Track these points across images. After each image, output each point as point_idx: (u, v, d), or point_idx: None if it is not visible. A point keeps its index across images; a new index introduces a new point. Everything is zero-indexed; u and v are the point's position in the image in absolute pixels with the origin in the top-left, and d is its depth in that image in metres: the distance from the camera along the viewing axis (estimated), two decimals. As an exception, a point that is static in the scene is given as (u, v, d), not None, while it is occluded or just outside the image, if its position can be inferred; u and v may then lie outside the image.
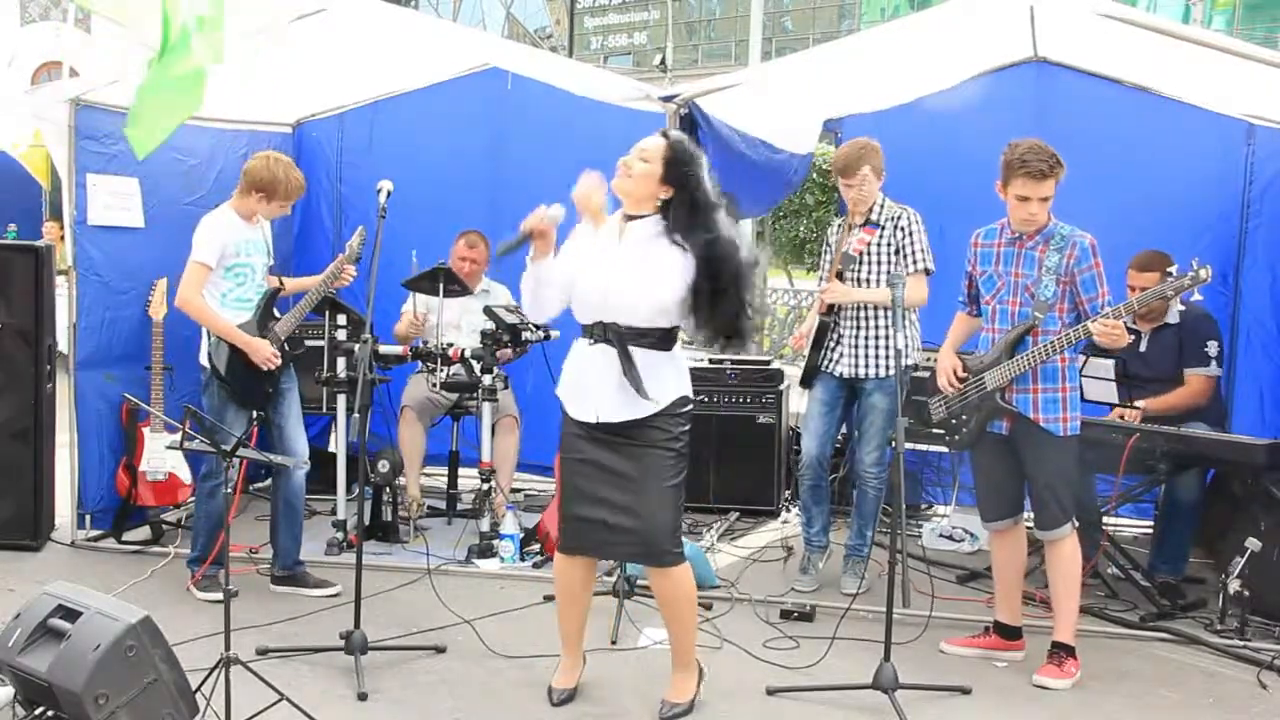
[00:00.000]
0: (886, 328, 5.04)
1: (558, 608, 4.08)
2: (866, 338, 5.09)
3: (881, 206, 5.11)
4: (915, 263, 5.03)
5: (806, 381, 5.26)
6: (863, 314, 5.10)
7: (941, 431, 4.57)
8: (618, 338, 3.65)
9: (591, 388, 3.71)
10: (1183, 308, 5.36)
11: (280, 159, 4.88)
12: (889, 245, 5.05)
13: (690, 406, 3.80)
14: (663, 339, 3.70)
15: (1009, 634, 4.53)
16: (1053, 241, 4.20)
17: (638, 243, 3.69)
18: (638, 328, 3.66)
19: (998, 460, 4.40)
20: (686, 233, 3.62)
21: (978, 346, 4.47)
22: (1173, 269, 4.04)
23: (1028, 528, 4.49)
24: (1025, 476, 4.34)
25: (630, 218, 3.73)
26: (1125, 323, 4.08)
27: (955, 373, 4.44)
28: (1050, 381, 4.22)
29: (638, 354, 3.64)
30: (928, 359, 5.74)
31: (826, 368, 5.18)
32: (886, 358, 5.05)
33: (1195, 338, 5.33)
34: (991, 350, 4.33)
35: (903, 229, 5.05)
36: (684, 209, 3.64)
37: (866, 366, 5.09)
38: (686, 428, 3.79)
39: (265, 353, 4.84)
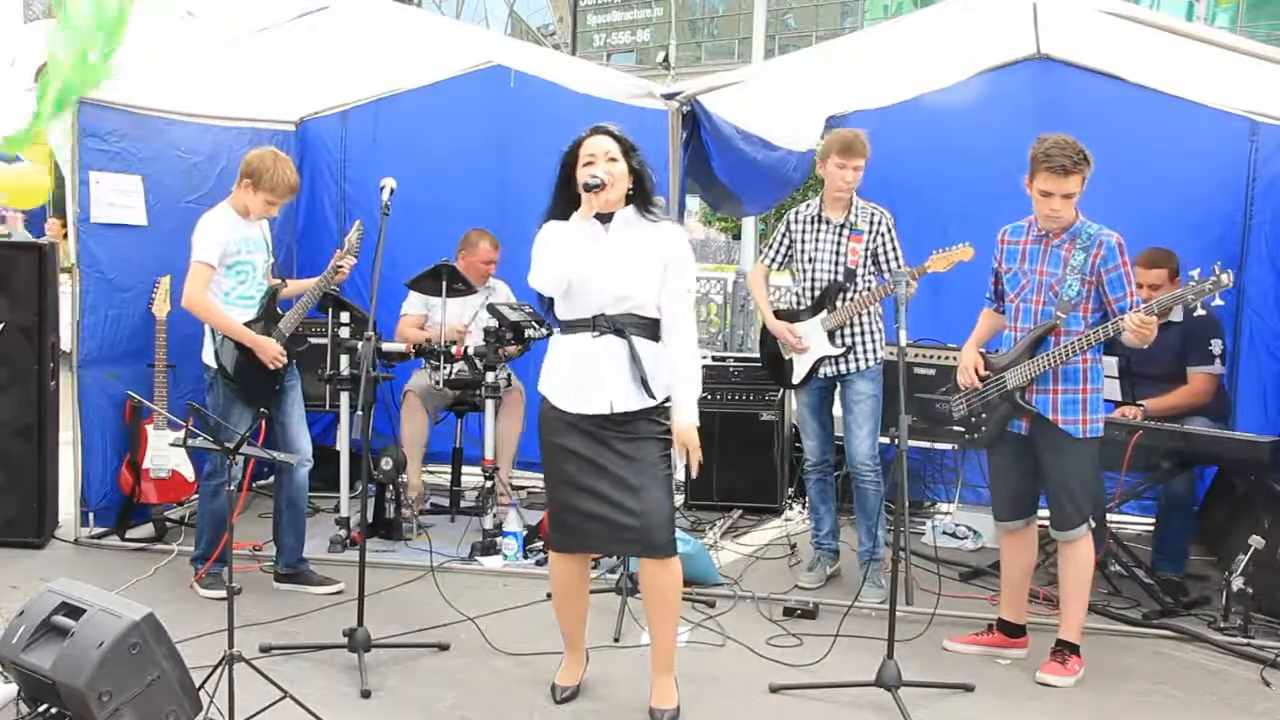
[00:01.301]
0: (856, 325, 5.06)
1: (555, 606, 4.08)
2: (840, 337, 5.09)
3: (857, 208, 5.11)
4: (893, 266, 5.02)
5: (800, 382, 5.24)
6: None
7: (961, 430, 4.54)
8: (625, 328, 3.71)
9: (602, 379, 3.72)
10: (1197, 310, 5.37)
11: (279, 154, 4.86)
12: (867, 250, 5.06)
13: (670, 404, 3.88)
14: (656, 327, 3.78)
15: (1013, 632, 4.53)
16: (1079, 240, 4.16)
17: (624, 234, 3.76)
18: (642, 317, 3.74)
19: (1015, 460, 4.38)
20: (650, 206, 3.81)
21: (1001, 344, 4.45)
22: (1195, 273, 3.99)
23: (1042, 526, 4.48)
24: (1042, 477, 4.32)
25: (604, 217, 3.77)
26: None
27: (977, 370, 4.43)
28: (1071, 383, 4.19)
29: (641, 343, 3.72)
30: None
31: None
32: (864, 351, 5.07)
33: (1200, 336, 5.32)
34: (1013, 349, 4.30)
35: (881, 234, 5.06)
36: (642, 188, 3.79)
37: (847, 363, 5.09)
38: (669, 422, 3.86)
39: (273, 351, 4.84)
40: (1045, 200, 4.12)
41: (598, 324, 3.72)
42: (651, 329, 3.76)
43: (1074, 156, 4.03)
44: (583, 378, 3.75)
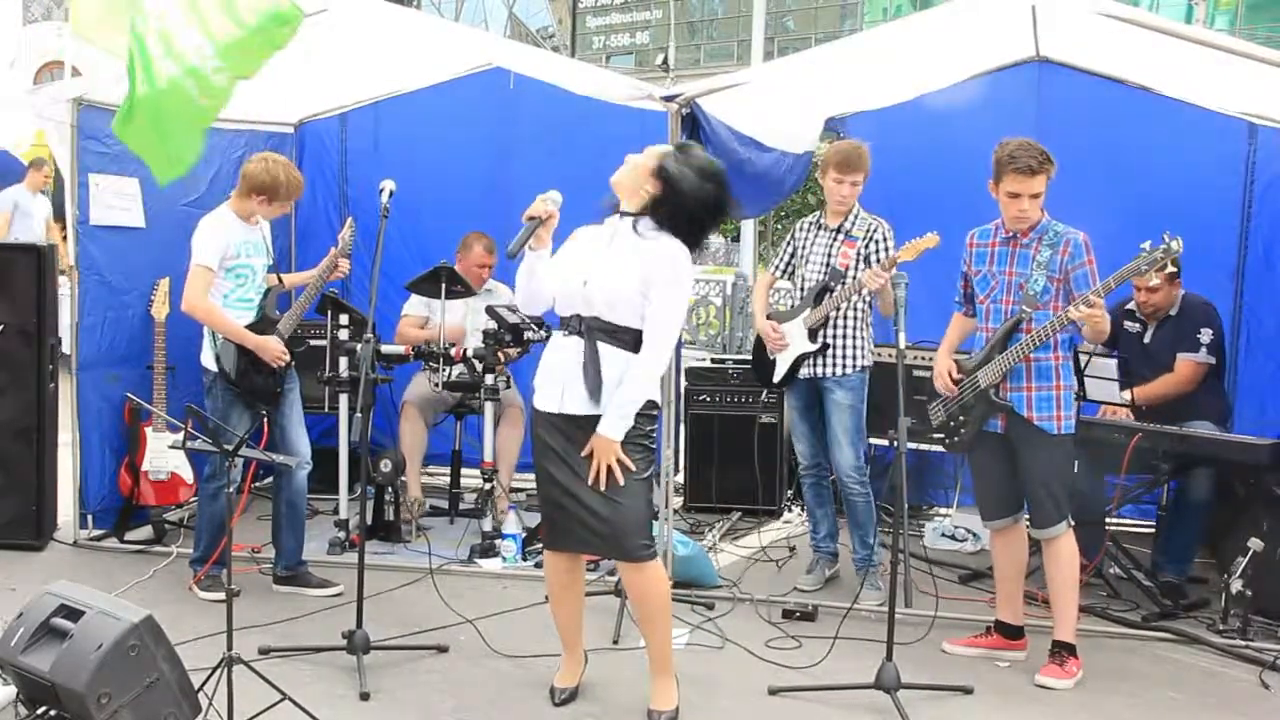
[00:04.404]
0: (838, 327, 5.05)
1: (550, 605, 4.10)
2: (820, 335, 5.08)
3: (856, 217, 5.11)
4: None
5: (784, 381, 5.24)
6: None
7: (941, 435, 4.55)
8: (589, 331, 3.68)
9: (561, 378, 3.73)
10: (1180, 291, 5.38)
11: (278, 159, 4.87)
12: (861, 256, 5.06)
13: (657, 411, 3.80)
14: (635, 341, 3.68)
15: (1011, 633, 4.53)
16: (1046, 238, 4.21)
17: (625, 240, 3.71)
18: (613, 324, 3.67)
19: (995, 459, 4.40)
20: (674, 229, 3.68)
21: (973, 347, 4.46)
22: (1146, 245, 3.98)
23: (1027, 526, 4.49)
24: (1021, 475, 4.33)
25: (622, 215, 3.75)
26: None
27: (950, 375, 4.44)
28: (1044, 380, 4.22)
29: (608, 351, 3.66)
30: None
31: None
32: (844, 357, 5.06)
33: (1190, 324, 5.35)
34: (984, 349, 4.33)
35: (876, 241, 5.06)
36: (666, 209, 3.66)
37: (825, 366, 5.09)
38: (652, 428, 3.80)
39: (275, 350, 4.85)
40: (1014, 202, 4.17)
41: (569, 324, 3.73)
42: (625, 339, 3.67)
43: (1039, 157, 4.09)
44: (549, 376, 3.78)
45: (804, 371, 5.13)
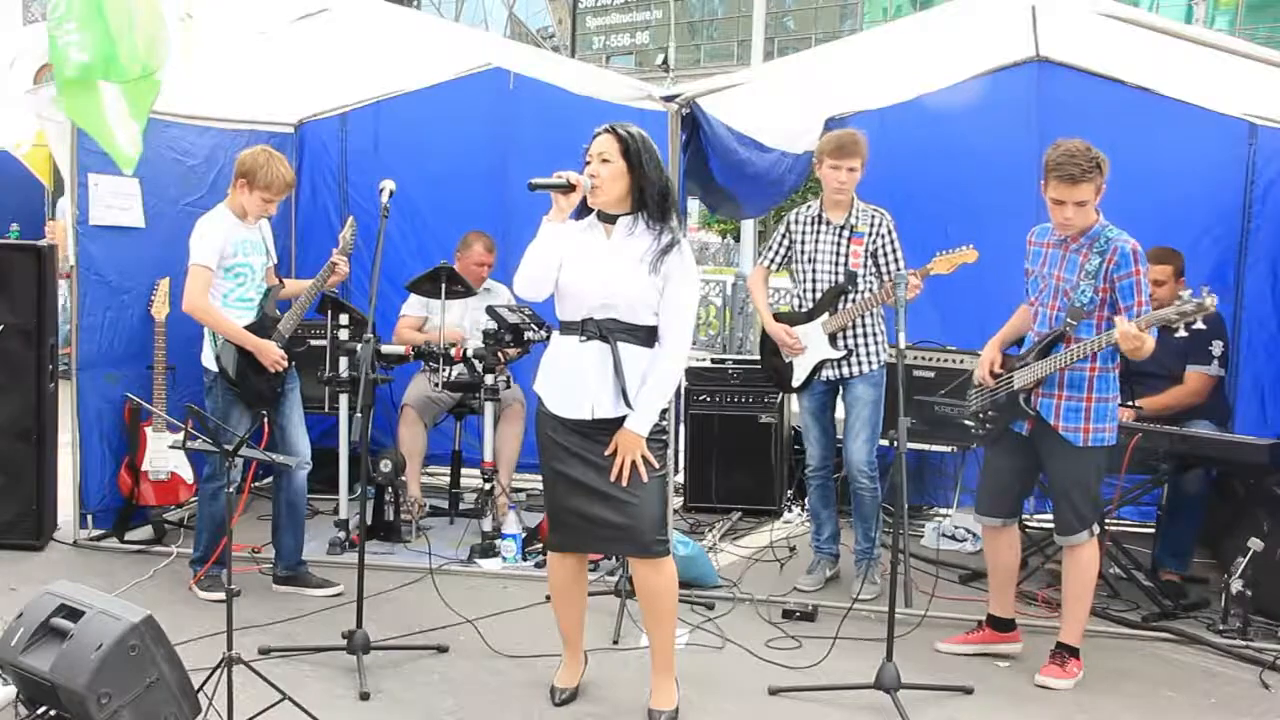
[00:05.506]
0: (858, 329, 5.06)
1: (554, 605, 4.09)
2: (842, 340, 5.09)
3: (858, 210, 5.10)
4: (893, 268, 5.03)
5: (801, 385, 5.24)
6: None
7: (970, 423, 4.54)
8: (610, 334, 3.68)
9: (587, 385, 3.71)
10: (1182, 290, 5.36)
11: (270, 150, 4.86)
12: (868, 251, 5.06)
13: (668, 406, 3.83)
14: (651, 335, 3.72)
15: (1002, 626, 4.53)
16: (1096, 243, 4.13)
17: (625, 240, 3.73)
18: (631, 324, 3.69)
19: (1010, 459, 4.38)
20: (663, 217, 3.70)
21: (1023, 345, 4.44)
22: (1186, 293, 3.93)
23: (1047, 529, 4.46)
24: (1046, 481, 4.31)
25: (608, 218, 3.76)
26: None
27: (992, 367, 4.42)
28: (1075, 390, 4.18)
29: (628, 350, 3.68)
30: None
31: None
32: (867, 354, 5.06)
33: (1201, 335, 5.32)
34: (1026, 351, 4.31)
35: (883, 235, 5.05)
36: (655, 191, 3.69)
37: (849, 366, 5.09)
38: (666, 423, 3.83)
39: (274, 355, 4.84)
40: (1058, 209, 4.10)
41: (585, 329, 3.71)
42: (641, 335, 3.71)
43: (1084, 164, 4.00)
44: (568, 382, 3.75)
45: (826, 373, 5.12)
